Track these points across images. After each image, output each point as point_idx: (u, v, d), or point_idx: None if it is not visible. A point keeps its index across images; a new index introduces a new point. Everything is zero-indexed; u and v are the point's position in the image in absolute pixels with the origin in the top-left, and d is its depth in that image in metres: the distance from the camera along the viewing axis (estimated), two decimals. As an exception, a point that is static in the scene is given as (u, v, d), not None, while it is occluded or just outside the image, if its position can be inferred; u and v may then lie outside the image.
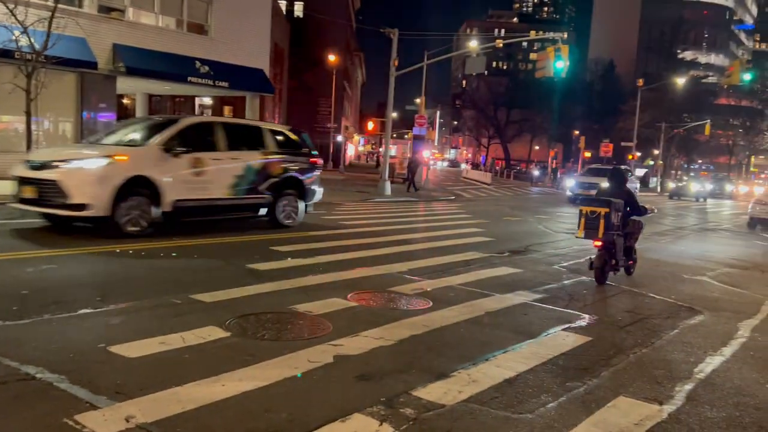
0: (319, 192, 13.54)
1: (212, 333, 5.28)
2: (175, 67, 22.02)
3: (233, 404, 3.91)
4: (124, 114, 39.87)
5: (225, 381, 4.25)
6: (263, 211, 12.14)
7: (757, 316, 7.65)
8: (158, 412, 3.70)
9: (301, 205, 12.82)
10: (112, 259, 8.26)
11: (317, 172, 13.47)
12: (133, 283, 7.00)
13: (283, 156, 12.37)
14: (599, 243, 8.76)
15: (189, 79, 22.31)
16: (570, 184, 31.69)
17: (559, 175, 55.31)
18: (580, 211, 8.85)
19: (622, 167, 20.38)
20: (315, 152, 13.60)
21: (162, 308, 6.00)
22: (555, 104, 74.65)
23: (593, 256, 9.02)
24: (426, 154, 37.09)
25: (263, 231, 11.80)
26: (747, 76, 26.00)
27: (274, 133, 12.73)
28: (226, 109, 43.92)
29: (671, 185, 51.98)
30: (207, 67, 22.68)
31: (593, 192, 25.85)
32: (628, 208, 9.12)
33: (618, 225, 8.84)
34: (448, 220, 17.38)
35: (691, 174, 79.53)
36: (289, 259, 9.02)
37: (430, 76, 48.66)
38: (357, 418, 3.83)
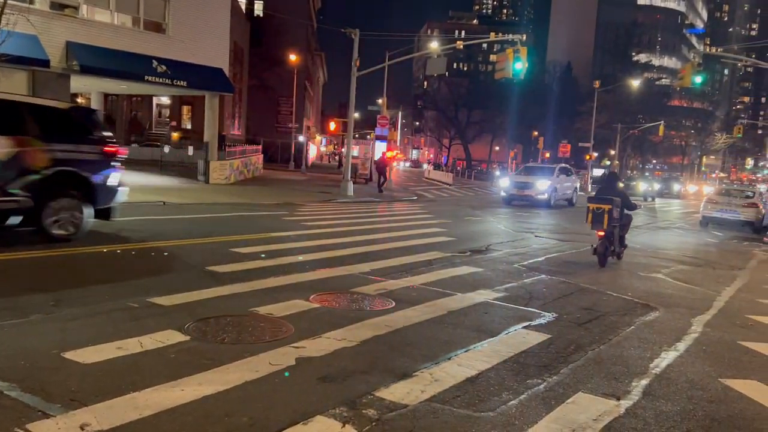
0: (121, 192, 10.47)
1: (171, 337, 5.18)
2: (132, 66, 21.54)
3: (192, 409, 3.84)
4: (79, 113, 38.90)
5: (184, 386, 4.17)
6: (15, 219, 8.89)
7: (710, 312, 7.89)
8: (115, 419, 3.61)
9: (89, 210, 9.59)
10: (65, 263, 8.02)
11: (116, 165, 10.28)
12: (88, 286, 6.81)
13: (53, 143, 9.06)
14: (602, 233, 10.79)
15: (146, 78, 21.83)
16: (504, 184, 28.85)
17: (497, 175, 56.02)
18: (588, 207, 11.01)
19: (610, 171, 22.02)
20: (111, 138, 10.36)
21: (118, 312, 5.85)
22: (514, 105, 75.71)
23: (596, 244, 10.88)
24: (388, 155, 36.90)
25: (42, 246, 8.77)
26: (698, 79, 26.75)
27: (39, 110, 9.31)
28: (185, 109, 43.35)
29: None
30: (164, 66, 22.23)
31: (528, 192, 27.68)
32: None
33: (617, 218, 10.98)
34: (410, 221, 17.45)
35: (646, 174, 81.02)
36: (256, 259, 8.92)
37: (392, 77, 48.78)
38: (319, 421, 3.80)
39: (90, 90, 30.26)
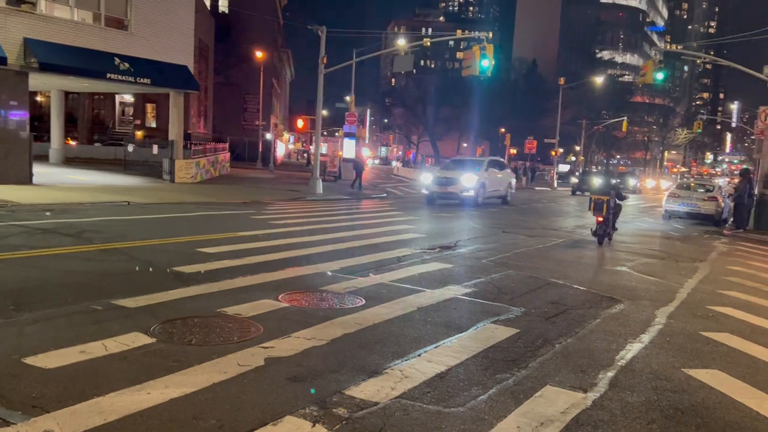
0: None
1: (136, 339, 5.08)
2: (93, 64, 21.07)
3: (159, 413, 3.77)
4: (39, 112, 38.01)
5: (150, 389, 4.09)
6: None
7: (673, 303, 8.07)
8: (78, 425, 3.53)
9: None
10: (24, 266, 7.81)
11: None
12: (49, 290, 6.64)
13: None
14: (601, 218, 13.58)
15: (108, 75, 21.38)
16: (426, 181, 25.52)
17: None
18: (590, 198, 14.05)
19: (606, 168, 22.73)
20: None
21: (81, 315, 5.72)
22: (481, 102, 76.26)
23: (595, 227, 13.78)
24: (365, 153, 36.82)
25: None
26: (659, 76, 27.27)
27: None
28: (149, 107, 42.58)
29: (573, 180, 47.70)
30: (127, 64, 21.81)
31: (451, 188, 27.57)
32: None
33: (613, 207, 13.75)
34: (379, 218, 17.45)
35: (597, 168, 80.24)
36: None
37: (360, 75, 48.66)
38: (289, 421, 3.77)
39: (50, 88, 29.55)
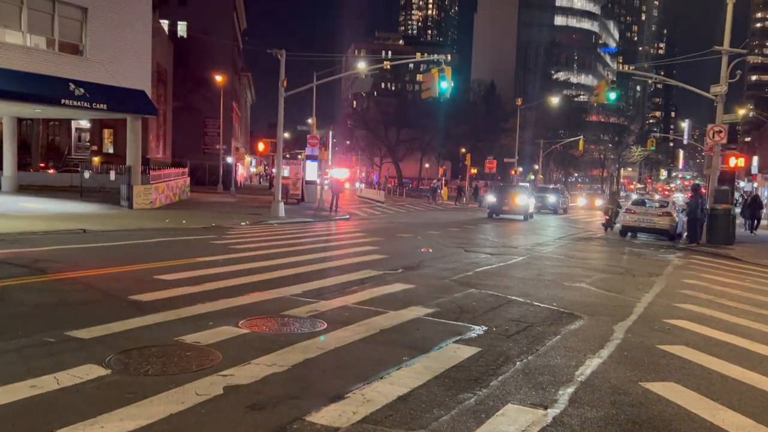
0: None
1: (90, 372, 4.94)
2: (46, 90, 20.66)
3: (113, 447, 3.66)
4: (-11, 139, 36.91)
5: (104, 423, 3.98)
6: None
7: (631, 318, 8.23)
8: (26, 463, 3.39)
9: None
10: (-26, 298, 7.53)
11: None
12: None
13: None
14: (608, 217, 25.01)
15: (62, 101, 20.98)
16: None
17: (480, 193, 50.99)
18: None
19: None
20: None
21: (32, 348, 5.53)
22: (442, 123, 77.21)
23: (603, 222, 24.95)
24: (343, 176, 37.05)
25: None
26: (612, 95, 28.07)
27: None
28: (107, 132, 41.89)
29: (489, 199, 34.67)
30: (82, 89, 21.45)
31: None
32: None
33: (615, 211, 24.61)
34: (342, 240, 17.41)
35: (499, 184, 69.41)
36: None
37: (321, 97, 48.91)
38: (248, 450, 3.70)
39: (1, 115, 28.81)
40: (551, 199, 41.14)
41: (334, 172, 37.54)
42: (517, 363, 5.82)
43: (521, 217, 31.67)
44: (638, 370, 5.85)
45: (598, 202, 51.67)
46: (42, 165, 37.17)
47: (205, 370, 5.11)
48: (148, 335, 6.12)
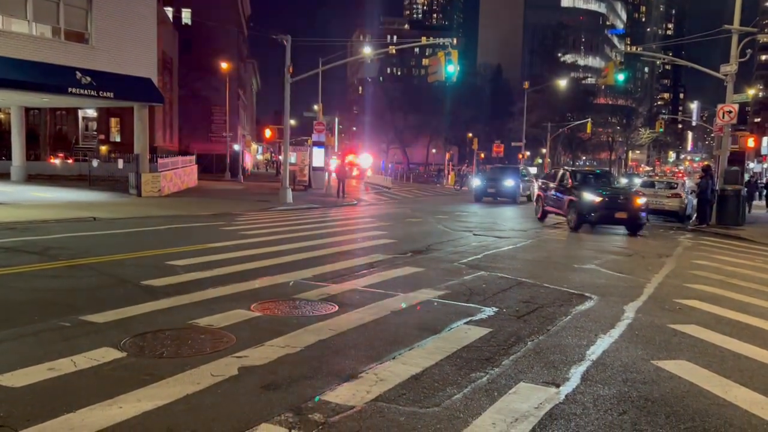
0: None
1: (106, 355, 5.00)
2: (53, 78, 20.70)
3: (132, 426, 3.72)
4: (-1, 129, 37.14)
5: (122, 403, 4.03)
6: None
7: (641, 298, 8.23)
8: (48, 442, 3.46)
9: None
10: (-11, 285, 7.61)
11: None
12: (15, 309, 6.49)
13: None
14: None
15: (69, 90, 21.03)
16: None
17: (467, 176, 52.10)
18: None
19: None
20: None
21: (49, 333, 5.60)
22: (449, 108, 76.92)
23: None
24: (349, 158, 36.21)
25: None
26: (621, 77, 27.87)
27: None
28: (113, 121, 41.98)
29: (475, 182, 33.92)
30: (89, 78, 21.48)
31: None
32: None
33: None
34: (351, 225, 17.45)
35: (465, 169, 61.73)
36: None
37: (327, 83, 48.63)
38: (265, 429, 3.75)
39: (9, 104, 28.93)
40: (509, 183, 30.95)
41: (316, 158, 36.80)
42: (529, 343, 5.85)
43: (510, 200, 30.77)
44: (650, 348, 5.86)
45: None
46: (51, 156, 37.21)
47: (220, 352, 5.17)
48: (161, 319, 6.18)
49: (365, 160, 61.12)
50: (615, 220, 16.98)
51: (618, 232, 17.99)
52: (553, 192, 19.67)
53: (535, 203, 20.76)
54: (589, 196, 16.90)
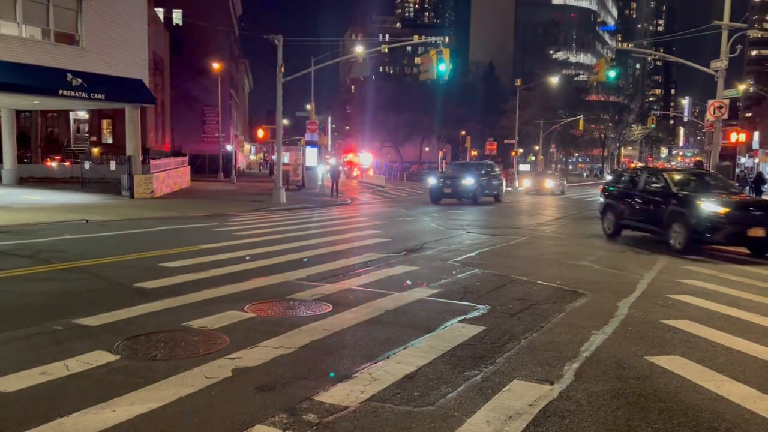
0: None
1: (99, 358, 4.98)
2: (43, 81, 20.59)
3: (126, 429, 3.71)
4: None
5: (115, 406, 4.02)
6: None
7: (634, 294, 8.26)
8: (40, 447, 3.44)
9: None
10: (-19, 289, 7.57)
11: None
12: (7, 312, 6.45)
13: None
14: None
15: (60, 92, 20.93)
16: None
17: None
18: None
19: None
20: None
21: (41, 336, 5.58)
22: (441, 106, 76.90)
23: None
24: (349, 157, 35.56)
25: None
26: (612, 74, 28.03)
27: None
28: (105, 123, 41.79)
29: (431, 181, 29.53)
30: (80, 80, 21.38)
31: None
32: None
33: None
34: (345, 224, 17.43)
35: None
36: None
37: (319, 83, 48.69)
38: (258, 430, 3.75)
39: (0, 107, 28.72)
40: (467, 182, 26.75)
41: (309, 158, 36.73)
42: (522, 340, 5.86)
43: (469, 201, 26.49)
44: (643, 344, 5.88)
45: (549, 183, 41.23)
46: (49, 159, 36.96)
47: (213, 354, 5.15)
48: (154, 321, 6.16)
49: (366, 159, 60.88)
50: (748, 239, 12.26)
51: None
52: (634, 199, 14.69)
53: (600, 214, 16.24)
54: (710, 206, 12.21)
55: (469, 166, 30.43)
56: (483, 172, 28.82)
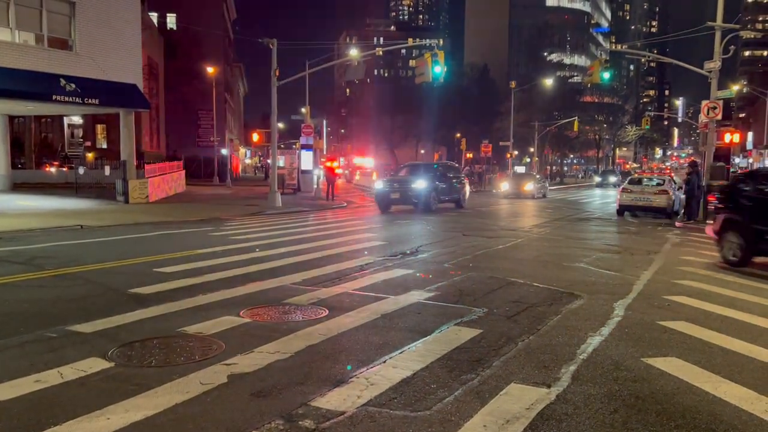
0: None
1: (93, 365, 4.94)
2: (37, 86, 20.52)
3: (120, 438, 3.67)
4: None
5: (110, 414, 3.99)
6: None
7: (630, 295, 8.26)
8: (34, 457, 3.40)
9: None
10: (-26, 297, 7.52)
11: None
12: None
13: None
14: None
15: (54, 97, 20.85)
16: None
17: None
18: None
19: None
20: None
21: (34, 344, 5.53)
22: (436, 108, 76.97)
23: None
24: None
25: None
26: (606, 75, 28.09)
27: None
28: (99, 128, 41.68)
29: (377, 186, 25.25)
30: (74, 85, 21.31)
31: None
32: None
33: None
34: (340, 228, 17.40)
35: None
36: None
37: (314, 86, 48.57)
38: (255, 437, 3.72)
39: (-7, 112, 28.61)
40: (418, 185, 22.94)
41: (305, 161, 36.32)
42: (519, 343, 5.85)
43: (419, 209, 22.83)
44: (639, 346, 5.88)
45: (529, 186, 37.64)
46: (48, 165, 36.74)
47: (209, 360, 5.13)
48: (149, 327, 6.13)
49: (370, 163, 60.69)
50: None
51: (607, 230, 18.07)
52: None
53: (715, 236, 11.88)
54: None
55: (424, 168, 26.60)
56: (439, 174, 25.14)
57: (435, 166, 27.99)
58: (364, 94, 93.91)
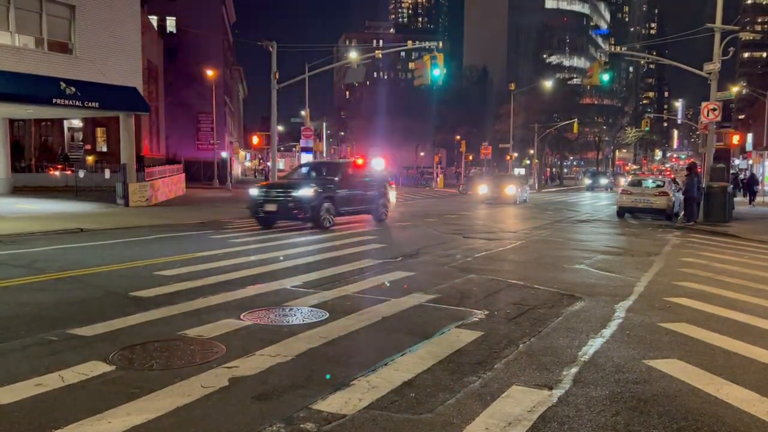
0: None
1: (94, 368, 4.94)
2: (37, 89, 20.52)
3: (121, 442, 3.67)
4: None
5: (111, 418, 3.98)
6: None
7: (631, 297, 8.26)
8: (35, 461, 3.40)
9: None
10: (-26, 300, 7.51)
11: None
12: (0, 323, 6.40)
13: None
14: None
15: (54, 101, 20.86)
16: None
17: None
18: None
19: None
20: None
21: (35, 347, 5.53)
22: (436, 111, 77.04)
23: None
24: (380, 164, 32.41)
25: None
26: (605, 77, 28.08)
27: None
28: (99, 131, 41.69)
29: (252, 192, 17.96)
30: (74, 88, 21.31)
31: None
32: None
33: None
34: (340, 230, 17.38)
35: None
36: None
37: (314, 89, 48.58)
38: (256, 440, 3.71)
39: (-7, 116, 28.61)
40: (303, 193, 16.68)
41: (283, 164, 36.29)
42: (520, 345, 5.84)
43: (307, 223, 17.27)
44: (641, 348, 5.87)
45: (510, 189, 33.32)
46: (51, 168, 36.68)
47: (210, 363, 5.12)
48: (150, 330, 6.12)
49: (378, 164, 60.62)
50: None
51: (607, 232, 18.07)
52: None
53: None
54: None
55: (315, 169, 20.26)
56: (338, 177, 18.28)
57: (336, 165, 21.55)
58: (364, 96, 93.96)
